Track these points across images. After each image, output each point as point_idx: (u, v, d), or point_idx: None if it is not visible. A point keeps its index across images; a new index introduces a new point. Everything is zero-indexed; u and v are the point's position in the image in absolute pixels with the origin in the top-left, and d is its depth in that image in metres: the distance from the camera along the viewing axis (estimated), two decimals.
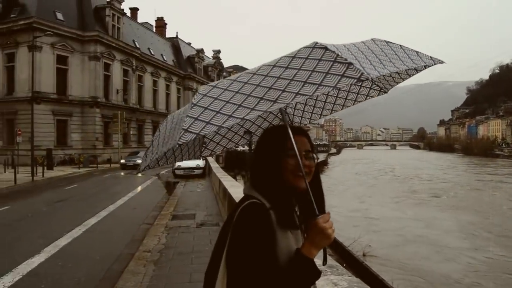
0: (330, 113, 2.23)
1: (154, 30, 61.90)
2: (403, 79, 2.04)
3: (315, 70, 1.36)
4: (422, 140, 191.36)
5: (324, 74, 1.34)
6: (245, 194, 1.52)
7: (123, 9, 45.04)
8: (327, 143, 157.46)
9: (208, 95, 1.41)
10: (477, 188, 33.08)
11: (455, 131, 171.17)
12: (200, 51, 66.41)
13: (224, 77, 76.75)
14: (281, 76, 1.38)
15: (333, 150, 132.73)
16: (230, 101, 1.36)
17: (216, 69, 72.53)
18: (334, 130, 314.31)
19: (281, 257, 1.38)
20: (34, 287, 6.05)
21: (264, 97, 1.34)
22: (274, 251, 1.37)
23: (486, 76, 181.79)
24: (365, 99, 2.17)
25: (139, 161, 27.45)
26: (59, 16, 37.98)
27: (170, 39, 63.63)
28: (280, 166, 1.49)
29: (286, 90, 1.33)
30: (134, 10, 57.89)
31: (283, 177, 1.49)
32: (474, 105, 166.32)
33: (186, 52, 64.23)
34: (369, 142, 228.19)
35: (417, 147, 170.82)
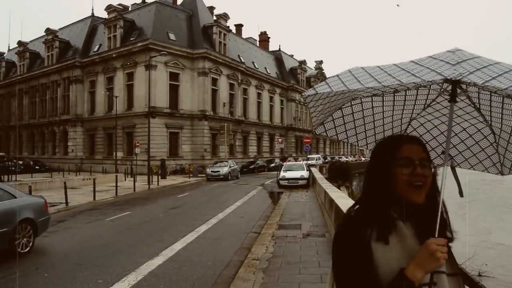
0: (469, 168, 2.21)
1: (257, 44, 63.82)
2: None
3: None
4: None
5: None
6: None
7: (228, 26, 47.17)
8: None
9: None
10: None
11: None
12: (303, 63, 66.86)
13: None
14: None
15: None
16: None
17: (318, 80, 72.29)
18: None
19: (380, 272, 1.31)
20: (153, 287, 6.48)
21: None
22: (366, 266, 1.31)
23: None
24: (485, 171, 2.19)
25: None
26: (172, 36, 40.95)
27: (273, 52, 65.01)
28: (390, 176, 1.43)
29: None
30: (239, 27, 60.34)
31: (396, 188, 1.42)
32: None
33: (288, 64, 65.13)
34: None
35: None
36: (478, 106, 1.84)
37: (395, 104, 1.89)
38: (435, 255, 1.29)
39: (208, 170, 33.58)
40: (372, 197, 1.45)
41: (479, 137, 2.04)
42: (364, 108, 1.91)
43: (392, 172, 1.43)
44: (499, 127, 1.89)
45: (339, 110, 1.93)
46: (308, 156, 39.71)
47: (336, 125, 2.04)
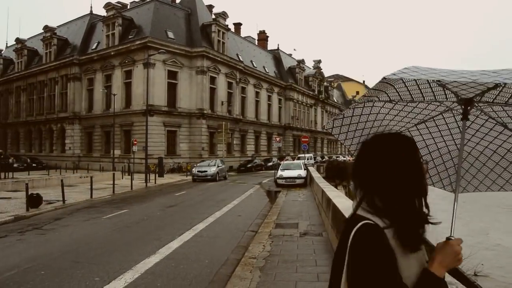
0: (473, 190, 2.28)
1: (256, 43, 63.78)
2: None
3: None
4: None
5: None
6: (358, 214, 1.42)
7: (227, 25, 47.15)
8: None
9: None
10: None
11: None
12: (301, 62, 66.86)
13: (325, 87, 76.46)
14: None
15: None
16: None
17: (316, 79, 72.40)
18: None
19: (404, 279, 1.32)
20: (151, 285, 6.48)
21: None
22: (396, 274, 1.30)
23: None
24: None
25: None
26: (170, 34, 40.90)
27: (272, 51, 65.01)
28: (423, 175, 1.46)
29: None
30: (238, 25, 60.28)
31: (424, 187, 1.44)
32: None
33: (287, 63, 65.14)
34: None
35: None
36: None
37: (398, 114, 1.90)
38: (459, 256, 1.36)
39: (194, 170, 31.10)
40: (411, 209, 1.39)
41: (447, 158, 2.15)
42: (371, 112, 1.89)
43: (423, 170, 1.46)
44: (469, 151, 2.05)
45: (351, 110, 1.91)
46: (299, 156, 39.23)
47: (343, 124, 2.01)
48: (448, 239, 1.44)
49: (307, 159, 43.61)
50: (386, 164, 1.41)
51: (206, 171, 29.96)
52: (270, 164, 45.34)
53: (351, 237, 1.35)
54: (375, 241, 1.32)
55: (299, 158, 36.09)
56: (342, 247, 1.40)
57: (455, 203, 1.57)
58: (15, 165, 37.21)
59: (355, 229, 1.36)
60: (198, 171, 30.38)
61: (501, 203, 29.20)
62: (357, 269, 1.31)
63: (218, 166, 31.04)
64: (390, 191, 1.39)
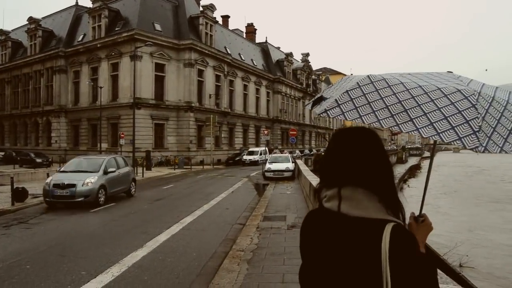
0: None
1: (244, 36, 63.54)
2: None
3: (448, 118, 1.48)
4: None
5: (451, 127, 1.46)
6: (377, 218, 1.26)
7: (215, 17, 46.84)
8: (420, 146, 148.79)
9: (361, 87, 1.71)
10: None
11: None
12: (289, 55, 66.82)
13: (313, 80, 76.59)
14: (420, 103, 1.56)
15: (427, 154, 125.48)
16: (371, 103, 1.61)
17: (305, 72, 72.46)
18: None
19: None
20: (138, 278, 6.47)
21: (394, 116, 1.55)
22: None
23: None
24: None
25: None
26: (157, 27, 40.50)
27: (260, 44, 64.82)
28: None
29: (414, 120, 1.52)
30: (226, 18, 59.96)
31: None
32: None
33: (275, 56, 65.03)
34: None
35: None
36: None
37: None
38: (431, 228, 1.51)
39: (49, 182, 14.00)
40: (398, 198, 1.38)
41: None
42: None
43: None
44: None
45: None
46: (250, 150, 38.26)
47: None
48: (417, 218, 1.51)
49: (260, 154, 40.48)
50: (382, 156, 1.38)
51: (73, 186, 13.70)
52: None
53: (388, 242, 1.20)
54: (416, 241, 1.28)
55: (251, 153, 34.80)
56: (363, 253, 1.24)
57: (429, 173, 1.66)
58: (38, 160, 36.74)
59: (392, 233, 1.22)
60: (55, 184, 13.87)
61: (478, 194, 29.62)
62: (417, 272, 1.22)
63: (105, 173, 14.98)
64: (391, 186, 1.35)
